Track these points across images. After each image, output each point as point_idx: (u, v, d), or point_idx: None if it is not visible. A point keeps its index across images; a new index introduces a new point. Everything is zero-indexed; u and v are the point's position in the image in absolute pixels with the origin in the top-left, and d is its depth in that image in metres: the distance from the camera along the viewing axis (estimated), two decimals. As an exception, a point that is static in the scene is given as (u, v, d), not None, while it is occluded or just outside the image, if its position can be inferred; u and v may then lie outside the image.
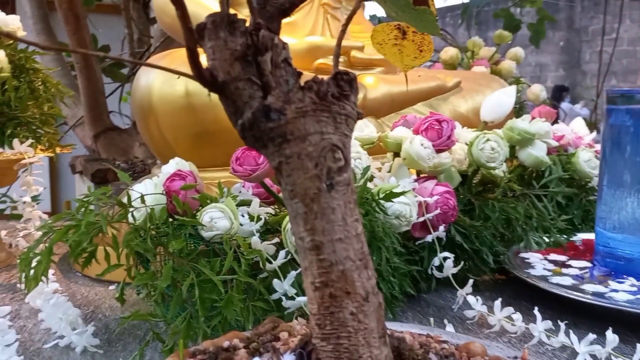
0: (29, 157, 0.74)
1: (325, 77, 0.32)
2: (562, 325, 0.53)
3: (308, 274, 0.29)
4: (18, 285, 0.69)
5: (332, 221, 0.29)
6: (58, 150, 0.81)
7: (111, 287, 0.73)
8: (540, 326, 0.55)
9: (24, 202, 0.72)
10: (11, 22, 0.79)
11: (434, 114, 0.74)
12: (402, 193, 0.61)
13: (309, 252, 0.29)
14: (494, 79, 1.24)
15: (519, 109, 1.60)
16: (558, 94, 4.76)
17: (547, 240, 0.79)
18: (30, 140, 0.74)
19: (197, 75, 0.30)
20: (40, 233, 0.72)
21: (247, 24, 0.32)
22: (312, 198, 0.29)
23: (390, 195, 0.60)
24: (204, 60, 0.30)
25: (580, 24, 5.51)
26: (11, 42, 0.80)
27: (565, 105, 4.71)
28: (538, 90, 1.47)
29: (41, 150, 0.78)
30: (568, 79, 5.48)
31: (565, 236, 0.82)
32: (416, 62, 0.53)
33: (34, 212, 0.73)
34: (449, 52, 1.50)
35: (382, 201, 0.61)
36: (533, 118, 1.20)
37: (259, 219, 0.59)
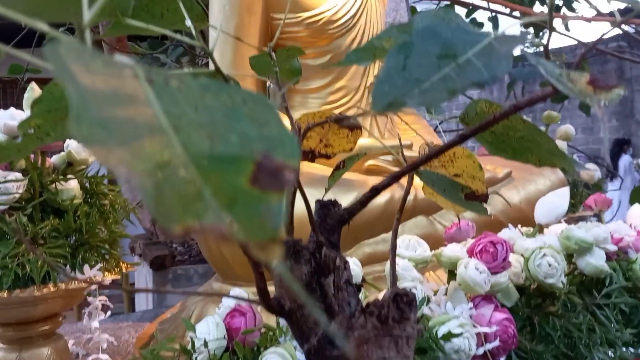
0: (97, 280, 0.78)
1: (385, 295, 0.33)
2: None
3: None
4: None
5: None
6: (124, 269, 0.85)
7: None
8: None
9: (91, 326, 0.76)
10: (83, 151, 0.85)
11: (487, 234, 0.74)
12: (461, 334, 0.61)
13: None
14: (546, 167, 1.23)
15: (573, 187, 1.57)
16: (617, 149, 4.51)
17: (612, 356, 0.77)
18: (99, 265, 0.79)
19: (266, 306, 0.32)
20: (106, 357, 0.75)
21: (310, 246, 0.34)
22: None
23: (449, 336, 0.60)
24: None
25: (631, 73, 5.41)
26: (83, 167, 0.86)
27: (625, 160, 4.44)
28: (592, 171, 1.44)
29: (108, 272, 0.82)
30: (622, 129, 5.34)
31: (632, 350, 0.79)
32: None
33: (102, 336, 0.77)
34: (498, 134, 1.50)
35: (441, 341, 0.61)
36: (588, 207, 1.18)
37: (317, 357, 0.60)
